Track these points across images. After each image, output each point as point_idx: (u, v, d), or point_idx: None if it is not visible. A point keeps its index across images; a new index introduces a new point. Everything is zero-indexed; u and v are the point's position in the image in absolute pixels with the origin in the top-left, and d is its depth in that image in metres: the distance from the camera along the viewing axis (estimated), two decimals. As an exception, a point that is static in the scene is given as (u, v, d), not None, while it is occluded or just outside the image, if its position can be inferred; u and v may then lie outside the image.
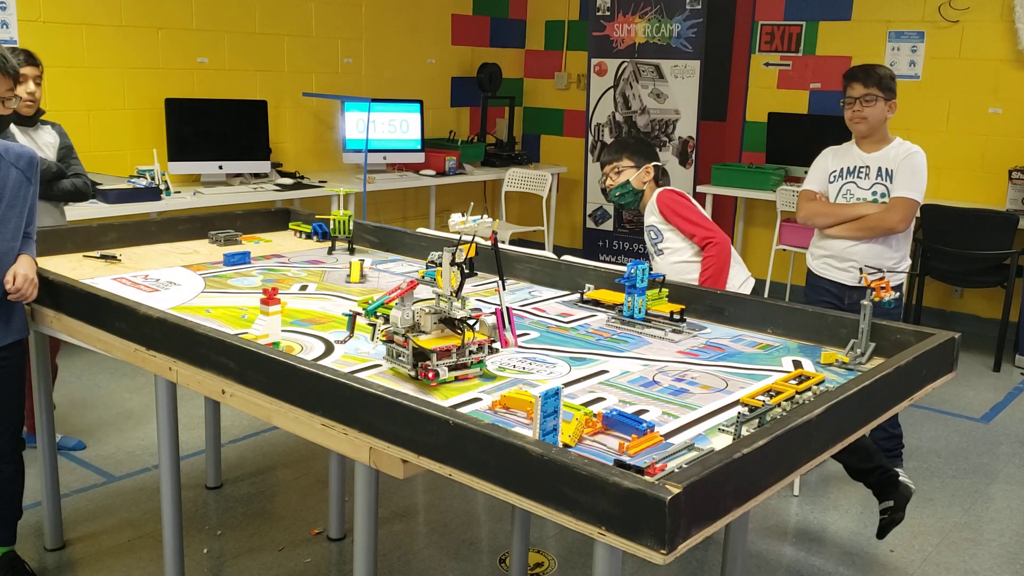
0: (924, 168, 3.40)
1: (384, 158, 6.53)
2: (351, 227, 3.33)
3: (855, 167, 3.47)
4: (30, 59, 3.48)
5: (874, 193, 3.40)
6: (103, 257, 3.12)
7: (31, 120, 3.55)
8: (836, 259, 3.47)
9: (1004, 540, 3.41)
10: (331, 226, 3.33)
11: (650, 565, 2.89)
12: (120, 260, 3.11)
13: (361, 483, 1.94)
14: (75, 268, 2.96)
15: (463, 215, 2.17)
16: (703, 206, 6.54)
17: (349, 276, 2.92)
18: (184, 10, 5.63)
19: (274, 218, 3.76)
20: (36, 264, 2.64)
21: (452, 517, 3.44)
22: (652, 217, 3.42)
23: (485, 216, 2.20)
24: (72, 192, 3.61)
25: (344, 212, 3.32)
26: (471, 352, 2.04)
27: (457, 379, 2.02)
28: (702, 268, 3.28)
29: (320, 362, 2.11)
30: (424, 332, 2.03)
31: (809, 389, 1.93)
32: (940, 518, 3.56)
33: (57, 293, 2.60)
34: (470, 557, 3.17)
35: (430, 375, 1.97)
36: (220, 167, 5.55)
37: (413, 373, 2.00)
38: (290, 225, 3.71)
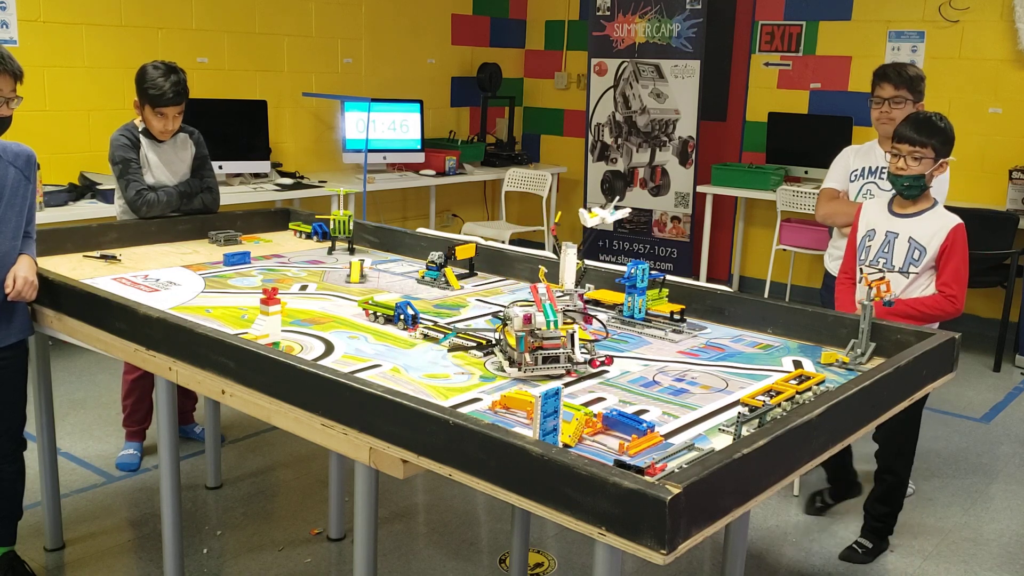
0: (947, 172, 3.34)
1: (384, 158, 6.54)
2: (351, 227, 3.33)
3: (877, 167, 3.41)
4: (176, 97, 3.38)
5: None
6: (103, 257, 3.12)
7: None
8: None
9: (1004, 540, 3.41)
10: (331, 226, 3.33)
11: (650, 565, 2.89)
12: (120, 260, 3.11)
13: (361, 483, 1.94)
14: (75, 268, 2.96)
15: (589, 210, 2.24)
16: (703, 206, 6.58)
17: (349, 276, 2.92)
18: (184, 10, 5.63)
19: (274, 218, 3.76)
20: (36, 264, 2.64)
21: (452, 517, 3.44)
22: (926, 232, 2.97)
23: (617, 211, 2.25)
24: (200, 209, 3.60)
25: (344, 212, 3.32)
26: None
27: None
28: (923, 301, 2.95)
29: (320, 362, 2.11)
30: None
31: (809, 389, 1.93)
32: (940, 518, 3.56)
33: (57, 293, 2.60)
34: (470, 557, 3.17)
35: (607, 361, 2.07)
36: (220, 167, 5.54)
37: (563, 371, 2.04)
38: (290, 225, 3.71)
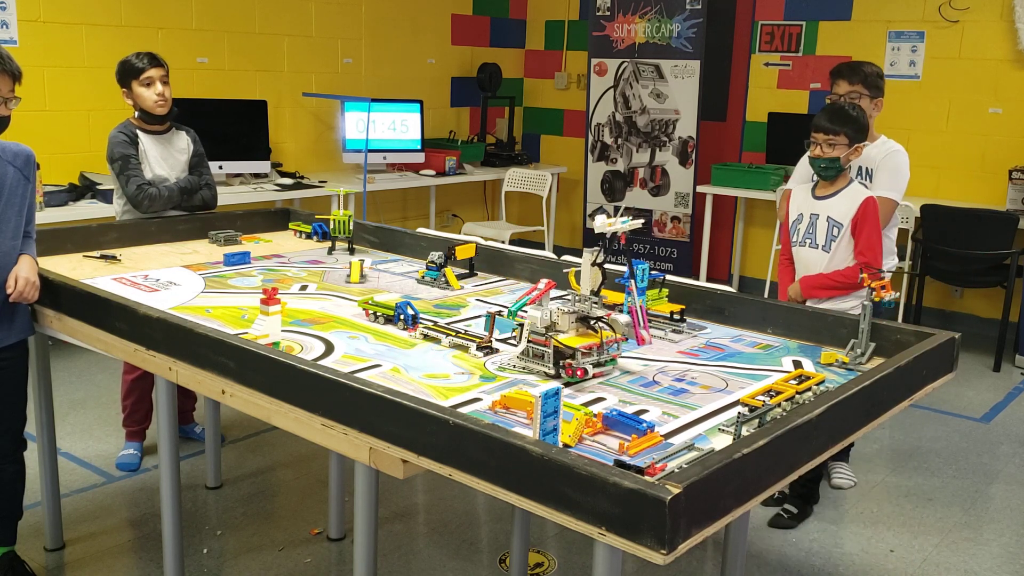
0: (905, 167, 3.43)
1: (384, 158, 6.53)
2: (351, 227, 3.33)
3: None
4: (153, 59, 3.48)
5: None
6: (103, 257, 3.12)
7: (163, 120, 3.56)
8: None
9: (1004, 540, 3.41)
10: (331, 226, 3.33)
11: (650, 565, 2.89)
12: (120, 260, 3.11)
13: (361, 483, 1.94)
14: (75, 268, 2.96)
15: (607, 216, 2.20)
16: (703, 206, 6.58)
17: (349, 276, 2.92)
18: (184, 10, 5.63)
19: (274, 218, 3.76)
20: (37, 265, 2.64)
21: (452, 517, 3.44)
22: (840, 210, 3.19)
23: (632, 218, 2.24)
24: (200, 205, 3.64)
25: (344, 212, 3.32)
26: (608, 350, 2.09)
27: (594, 376, 2.07)
28: (841, 272, 3.17)
29: (320, 362, 2.11)
30: (561, 331, 2.08)
31: (809, 389, 1.93)
32: (940, 518, 3.56)
33: (57, 293, 2.60)
34: (470, 557, 3.17)
35: (579, 372, 2.02)
36: (220, 167, 5.55)
37: (553, 372, 2.04)
38: (290, 225, 3.71)
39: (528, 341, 2.09)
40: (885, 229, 3.39)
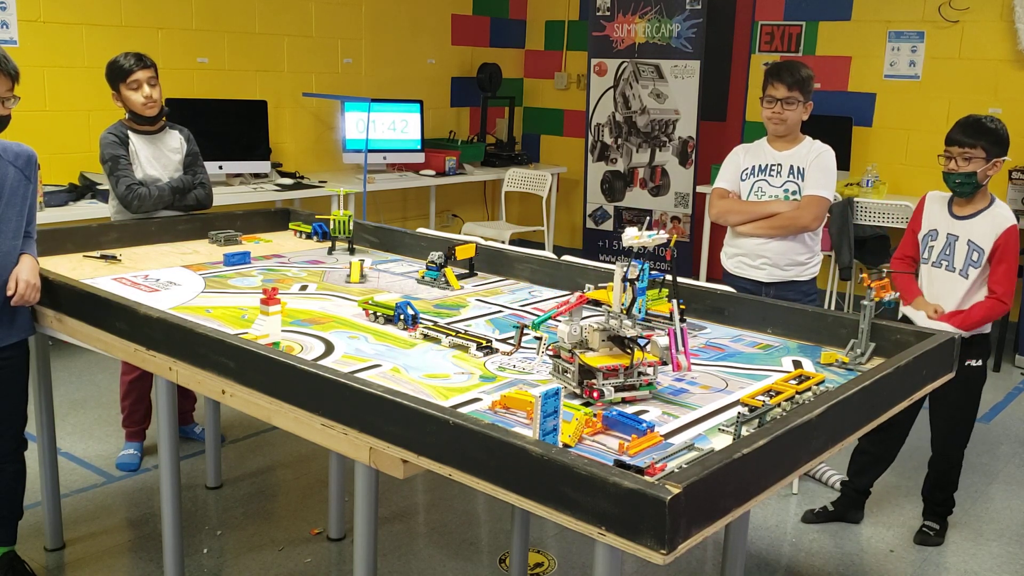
0: (835, 168, 3.41)
1: (384, 158, 6.53)
2: (351, 227, 3.33)
3: (767, 165, 3.43)
4: (140, 61, 3.45)
5: (786, 191, 3.38)
6: (103, 257, 3.12)
7: (154, 121, 3.55)
8: (749, 257, 3.44)
9: (1004, 540, 3.41)
10: (331, 226, 3.33)
11: (650, 565, 2.89)
12: (120, 260, 3.11)
13: (361, 483, 1.94)
14: (75, 268, 2.96)
15: (638, 229, 2.08)
16: (703, 206, 6.58)
17: (349, 276, 2.92)
18: (184, 10, 5.63)
19: (274, 218, 3.76)
20: (38, 265, 2.64)
21: (452, 517, 3.44)
22: (982, 232, 3.10)
23: (661, 232, 2.11)
24: (194, 205, 3.63)
25: (344, 212, 3.32)
26: (640, 373, 1.95)
27: (624, 400, 1.93)
28: (973, 314, 3.10)
29: (320, 362, 2.11)
30: (591, 349, 1.97)
31: (809, 389, 1.93)
32: (940, 518, 3.56)
33: (57, 293, 2.60)
34: (470, 557, 3.17)
35: (595, 395, 1.90)
36: (220, 167, 5.55)
37: (578, 391, 1.94)
38: (290, 225, 3.71)
39: (555, 356, 2.01)
40: (817, 228, 3.41)
